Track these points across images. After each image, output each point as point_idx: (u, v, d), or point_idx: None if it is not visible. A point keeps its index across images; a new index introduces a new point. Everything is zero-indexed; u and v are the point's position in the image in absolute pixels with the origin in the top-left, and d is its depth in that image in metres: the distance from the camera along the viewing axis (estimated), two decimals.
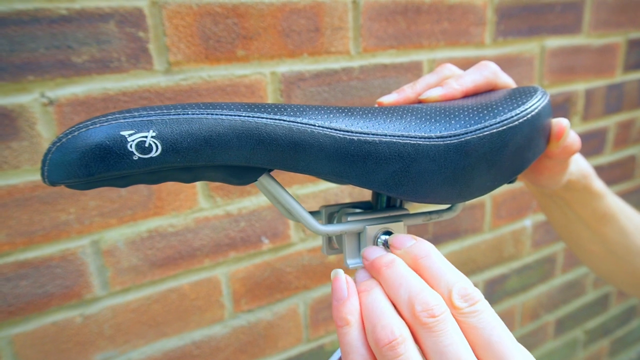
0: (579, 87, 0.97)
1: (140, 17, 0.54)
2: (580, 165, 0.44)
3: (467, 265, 0.93)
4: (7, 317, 0.55)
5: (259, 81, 0.62)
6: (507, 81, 0.39)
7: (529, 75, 0.88)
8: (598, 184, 0.46)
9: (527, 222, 1.00)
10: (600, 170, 1.08)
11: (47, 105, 0.52)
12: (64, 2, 0.50)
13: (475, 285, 0.96)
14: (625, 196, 1.17)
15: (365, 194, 0.76)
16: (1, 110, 0.50)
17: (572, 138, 0.38)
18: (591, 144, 1.04)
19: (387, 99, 0.36)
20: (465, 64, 0.79)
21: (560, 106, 0.95)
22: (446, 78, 0.38)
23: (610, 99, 1.03)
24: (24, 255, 0.54)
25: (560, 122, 0.36)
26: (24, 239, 0.54)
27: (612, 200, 0.47)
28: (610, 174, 1.11)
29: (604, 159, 1.08)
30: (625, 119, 1.09)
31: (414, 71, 0.74)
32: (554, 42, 0.89)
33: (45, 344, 0.57)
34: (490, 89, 0.38)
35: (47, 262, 0.56)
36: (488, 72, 0.37)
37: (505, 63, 0.84)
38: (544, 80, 0.91)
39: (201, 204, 0.63)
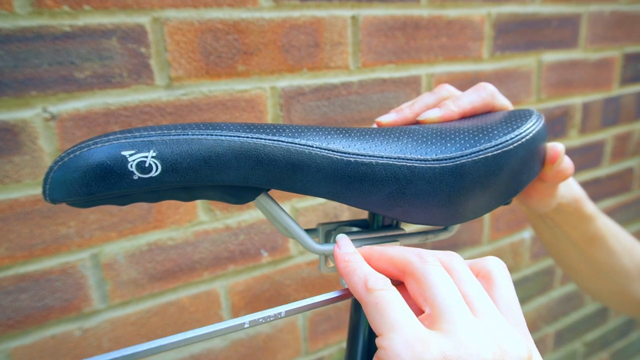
0: (576, 100, 0.97)
1: (142, 34, 0.55)
2: (572, 189, 0.44)
3: None
4: (6, 331, 0.55)
5: (259, 96, 0.63)
6: (504, 103, 0.39)
7: (527, 89, 0.89)
8: (589, 207, 0.46)
9: (526, 235, 1.00)
10: (597, 182, 1.09)
11: (49, 120, 0.52)
12: (68, 19, 0.51)
13: None
14: (623, 208, 1.17)
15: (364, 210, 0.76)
16: (4, 125, 0.50)
17: (566, 163, 0.38)
18: (589, 157, 1.05)
19: (386, 119, 0.37)
20: (463, 79, 0.80)
21: (558, 119, 0.96)
22: (444, 98, 0.38)
23: (608, 112, 1.04)
24: (24, 268, 0.54)
25: (555, 147, 0.37)
26: (24, 252, 0.54)
27: (602, 222, 0.48)
28: (607, 187, 1.12)
29: (602, 171, 1.09)
30: (622, 132, 1.09)
31: (412, 86, 0.75)
32: (551, 56, 0.90)
33: (43, 357, 0.57)
34: (487, 111, 0.39)
35: (47, 276, 0.56)
36: (486, 94, 0.38)
37: (502, 77, 0.85)
38: (542, 93, 0.92)
39: (201, 218, 0.63)
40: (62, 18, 0.50)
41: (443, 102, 0.37)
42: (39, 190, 0.53)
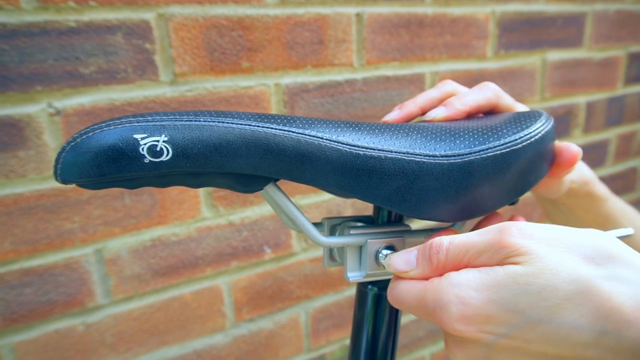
0: (580, 99, 0.97)
1: (147, 29, 0.55)
2: (581, 172, 0.44)
3: None
4: (10, 325, 0.55)
5: (263, 92, 0.63)
6: (508, 102, 0.39)
7: (531, 88, 0.89)
8: (600, 189, 0.45)
9: None
10: (601, 182, 1.09)
11: (54, 115, 0.52)
12: (73, 14, 0.51)
13: None
14: None
15: (369, 207, 0.76)
16: (9, 120, 0.50)
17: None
18: (592, 156, 1.05)
19: (391, 117, 0.37)
20: (467, 77, 0.80)
21: (562, 118, 0.96)
22: (448, 94, 0.38)
23: (611, 112, 1.04)
24: (28, 263, 0.55)
25: (570, 148, 0.36)
26: (29, 247, 0.54)
27: (614, 204, 0.47)
28: (611, 186, 1.12)
29: (605, 170, 1.09)
30: (626, 132, 1.09)
31: (416, 83, 0.75)
32: (556, 55, 0.90)
33: (47, 351, 0.58)
34: (491, 109, 0.39)
35: (51, 270, 0.56)
36: (490, 93, 0.37)
37: (507, 76, 0.85)
38: (546, 92, 0.91)
39: (204, 214, 0.64)
40: (68, 13, 0.51)
41: (448, 100, 0.37)
42: (43, 185, 0.54)
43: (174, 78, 0.57)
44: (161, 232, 0.61)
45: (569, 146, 0.37)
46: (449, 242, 0.26)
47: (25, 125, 0.51)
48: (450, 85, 0.39)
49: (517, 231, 0.24)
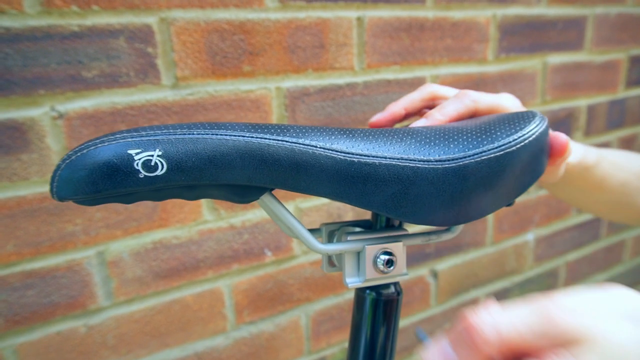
0: (581, 102, 0.97)
1: (149, 34, 0.55)
2: (574, 152, 0.44)
3: (469, 279, 0.93)
4: (13, 326, 0.55)
5: (265, 96, 0.63)
6: (486, 105, 0.39)
7: (532, 91, 0.89)
8: (591, 157, 0.46)
9: (530, 236, 1.00)
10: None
11: (57, 119, 0.53)
12: (76, 18, 0.51)
13: (477, 299, 0.96)
14: None
15: (367, 211, 0.76)
16: (12, 123, 0.51)
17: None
18: None
19: (376, 117, 0.40)
20: (468, 80, 0.80)
21: (563, 121, 0.96)
22: (429, 94, 0.41)
23: (613, 115, 1.04)
24: (30, 265, 0.55)
25: (559, 139, 0.37)
26: (31, 249, 0.55)
27: (606, 161, 0.48)
28: None
29: None
30: (627, 135, 1.09)
31: (417, 87, 0.75)
32: (556, 58, 0.90)
33: (49, 353, 0.58)
34: (472, 115, 0.40)
35: (53, 273, 0.56)
36: (468, 101, 0.39)
37: (507, 79, 0.85)
38: (547, 95, 0.91)
39: (205, 217, 0.64)
40: (71, 18, 0.51)
41: (429, 112, 0.39)
42: (46, 188, 0.54)
43: (175, 82, 0.58)
44: (163, 234, 0.62)
45: (557, 136, 0.37)
46: (491, 317, 0.20)
47: (28, 129, 0.52)
48: (430, 87, 0.41)
49: (561, 310, 0.20)
